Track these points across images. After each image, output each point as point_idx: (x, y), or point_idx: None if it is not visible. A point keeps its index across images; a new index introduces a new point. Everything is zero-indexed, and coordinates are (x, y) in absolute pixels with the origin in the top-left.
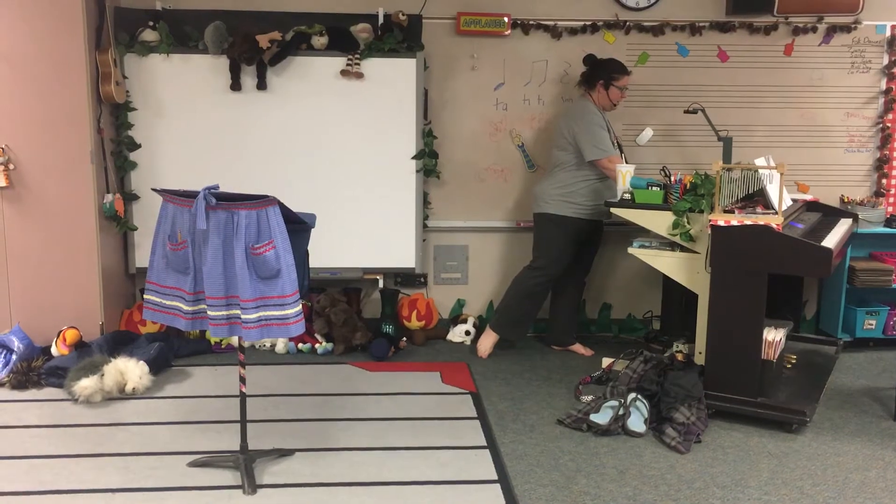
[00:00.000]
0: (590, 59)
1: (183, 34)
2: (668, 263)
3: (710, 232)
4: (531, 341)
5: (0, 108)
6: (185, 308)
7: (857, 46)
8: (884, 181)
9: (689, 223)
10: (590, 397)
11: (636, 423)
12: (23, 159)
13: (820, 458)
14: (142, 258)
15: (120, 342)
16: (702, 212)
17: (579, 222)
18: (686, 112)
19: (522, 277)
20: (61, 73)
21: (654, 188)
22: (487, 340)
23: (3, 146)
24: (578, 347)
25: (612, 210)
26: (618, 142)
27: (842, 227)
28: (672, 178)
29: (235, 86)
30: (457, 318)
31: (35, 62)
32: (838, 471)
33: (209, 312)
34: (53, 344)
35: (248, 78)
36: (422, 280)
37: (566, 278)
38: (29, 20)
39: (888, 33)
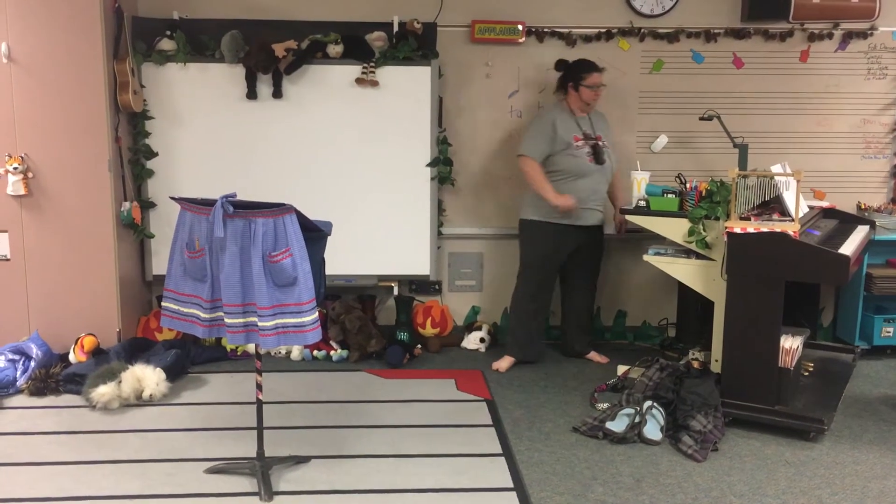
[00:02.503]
0: (561, 64)
1: (200, 43)
2: (683, 271)
3: (726, 239)
4: (546, 348)
5: (19, 116)
6: (203, 315)
7: (873, 53)
8: None
9: (704, 230)
10: (605, 405)
11: (652, 430)
12: (41, 168)
13: (838, 466)
14: (158, 265)
15: (137, 349)
16: (717, 219)
17: (555, 227)
18: (701, 119)
19: (514, 295)
20: (80, 82)
21: (670, 195)
22: (504, 362)
23: (23, 155)
24: (594, 355)
25: (628, 217)
26: (601, 145)
27: (859, 234)
28: (687, 186)
29: (251, 94)
30: (471, 325)
31: (54, 71)
32: (857, 479)
33: (226, 320)
34: (71, 351)
35: (264, 86)
36: (436, 287)
37: (572, 287)
38: (48, 30)
39: None
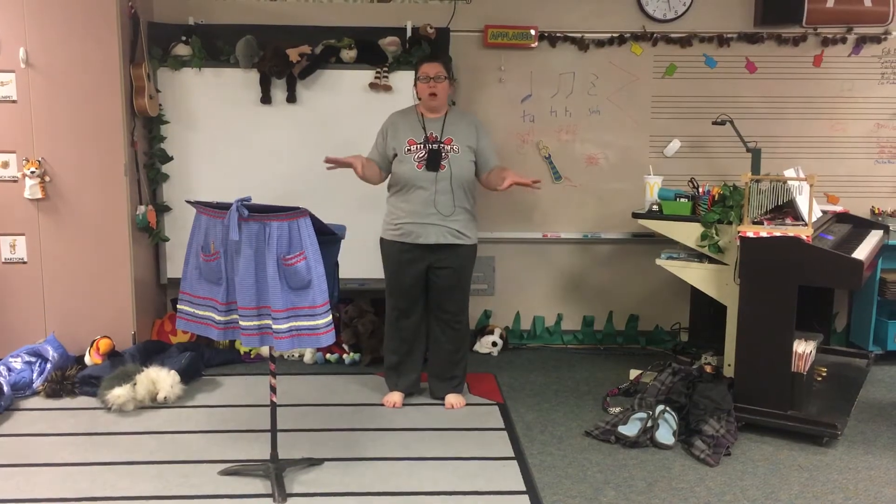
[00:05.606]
0: None
1: (215, 48)
2: (696, 275)
3: (738, 243)
4: (558, 353)
5: (37, 121)
6: (218, 318)
7: (887, 57)
8: None
9: (717, 234)
10: (617, 409)
11: (665, 435)
12: (58, 172)
13: (851, 471)
14: (173, 269)
15: (151, 351)
16: (730, 223)
17: (396, 245)
18: (714, 123)
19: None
20: (96, 87)
21: (683, 199)
22: (394, 396)
23: (40, 159)
24: (451, 399)
25: (640, 221)
26: (442, 149)
27: (872, 239)
28: (700, 190)
29: (266, 99)
30: (483, 329)
31: (71, 76)
32: (870, 484)
33: (241, 322)
34: (87, 353)
35: (279, 91)
36: None
37: (433, 319)
38: (65, 35)
39: None
